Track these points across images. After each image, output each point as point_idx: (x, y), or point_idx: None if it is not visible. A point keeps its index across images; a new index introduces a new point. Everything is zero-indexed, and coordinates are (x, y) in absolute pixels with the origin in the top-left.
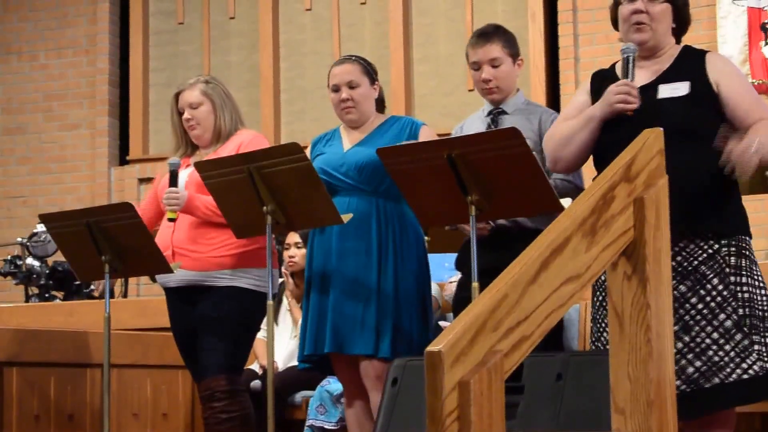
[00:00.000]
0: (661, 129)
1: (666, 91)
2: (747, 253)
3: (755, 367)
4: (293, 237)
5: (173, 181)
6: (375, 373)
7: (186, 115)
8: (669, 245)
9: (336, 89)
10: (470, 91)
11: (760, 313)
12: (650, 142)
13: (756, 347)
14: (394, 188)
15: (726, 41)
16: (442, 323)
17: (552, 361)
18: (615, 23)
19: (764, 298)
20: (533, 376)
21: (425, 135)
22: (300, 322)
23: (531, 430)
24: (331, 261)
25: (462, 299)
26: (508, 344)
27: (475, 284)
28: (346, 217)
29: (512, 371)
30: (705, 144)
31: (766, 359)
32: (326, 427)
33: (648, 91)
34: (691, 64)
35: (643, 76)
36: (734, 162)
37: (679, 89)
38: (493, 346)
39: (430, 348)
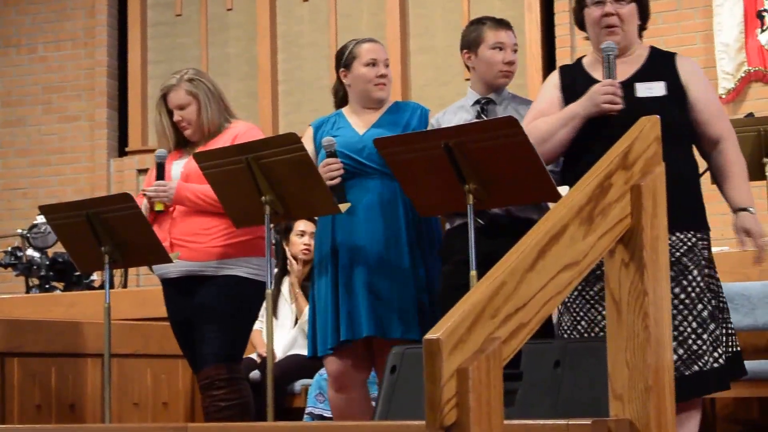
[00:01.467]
0: (658, 117)
1: (643, 90)
2: (710, 247)
3: (724, 356)
4: (309, 226)
5: (160, 173)
6: None
7: (176, 117)
8: (666, 232)
9: (374, 63)
10: (467, 80)
11: (722, 304)
12: (647, 130)
13: (721, 337)
14: None
15: (722, 29)
16: None
17: (550, 348)
18: (580, 24)
19: (722, 290)
20: (531, 363)
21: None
22: (307, 308)
23: (529, 417)
24: (358, 245)
25: (447, 288)
26: (507, 331)
27: (473, 272)
28: (343, 207)
29: (510, 358)
30: (680, 142)
31: (727, 346)
32: (325, 414)
33: (625, 89)
34: (662, 65)
35: (618, 73)
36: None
37: (655, 89)
38: (492, 333)
39: (429, 335)
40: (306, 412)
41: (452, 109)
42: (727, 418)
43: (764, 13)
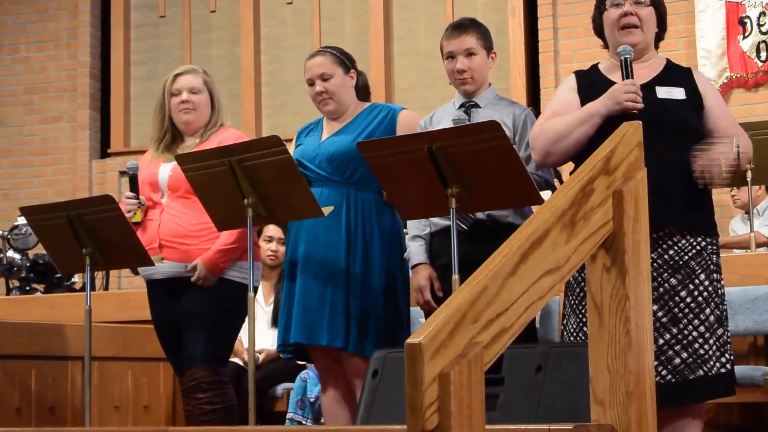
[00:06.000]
0: (640, 122)
1: (663, 92)
2: (719, 253)
3: (731, 362)
4: (277, 232)
5: (133, 185)
6: (357, 369)
7: (183, 97)
8: (648, 237)
9: (311, 83)
10: (451, 84)
11: (726, 312)
12: (629, 135)
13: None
14: (369, 178)
15: (704, 35)
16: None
17: (532, 352)
18: (598, 30)
19: (725, 297)
20: (513, 368)
21: (404, 119)
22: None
23: (511, 422)
24: (301, 251)
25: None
26: (488, 336)
27: (455, 276)
28: (326, 210)
29: (492, 363)
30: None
31: (731, 352)
32: (304, 423)
33: (645, 91)
34: (680, 74)
35: (637, 77)
36: (714, 163)
37: (675, 93)
38: (473, 337)
39: (411, 340)
40: (288, 416)
41: (441, 111)
42: (708, 423)
43: (746, 20)
